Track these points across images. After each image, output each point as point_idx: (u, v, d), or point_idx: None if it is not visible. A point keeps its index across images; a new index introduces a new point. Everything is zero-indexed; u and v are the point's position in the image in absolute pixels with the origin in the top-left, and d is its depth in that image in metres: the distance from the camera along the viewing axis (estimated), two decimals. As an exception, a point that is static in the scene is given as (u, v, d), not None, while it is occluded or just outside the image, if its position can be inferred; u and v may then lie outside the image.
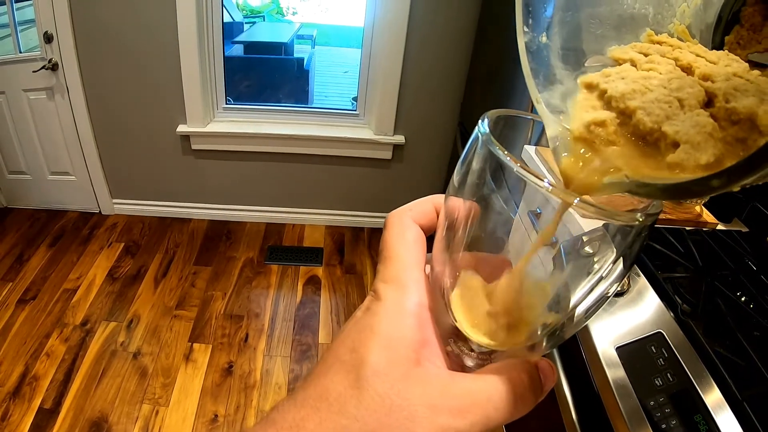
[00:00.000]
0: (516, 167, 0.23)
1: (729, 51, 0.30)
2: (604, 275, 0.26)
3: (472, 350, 0.29)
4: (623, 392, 0.79)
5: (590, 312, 0.27)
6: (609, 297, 0.27)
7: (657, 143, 0.23)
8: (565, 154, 0.25)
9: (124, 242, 2.65)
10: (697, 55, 0.27)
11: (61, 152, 2.64)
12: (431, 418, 0.23)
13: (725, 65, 0.26)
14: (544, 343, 0.28)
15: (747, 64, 0.26)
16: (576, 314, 0.27)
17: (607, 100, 0.25)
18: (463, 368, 0.29)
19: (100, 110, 2.50)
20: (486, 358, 0.29)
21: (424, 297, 0.28)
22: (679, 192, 0.21)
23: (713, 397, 0.76)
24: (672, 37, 0.30)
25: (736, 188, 0.18)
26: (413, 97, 2.48)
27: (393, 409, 0.23)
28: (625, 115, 0.24)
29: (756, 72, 0.25)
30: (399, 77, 2.41)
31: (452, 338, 0.29)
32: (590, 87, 0.27)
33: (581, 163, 0.25)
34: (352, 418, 0.23)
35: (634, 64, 0.27)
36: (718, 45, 0.31)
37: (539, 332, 0.28)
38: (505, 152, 0.24)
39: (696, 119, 0.23)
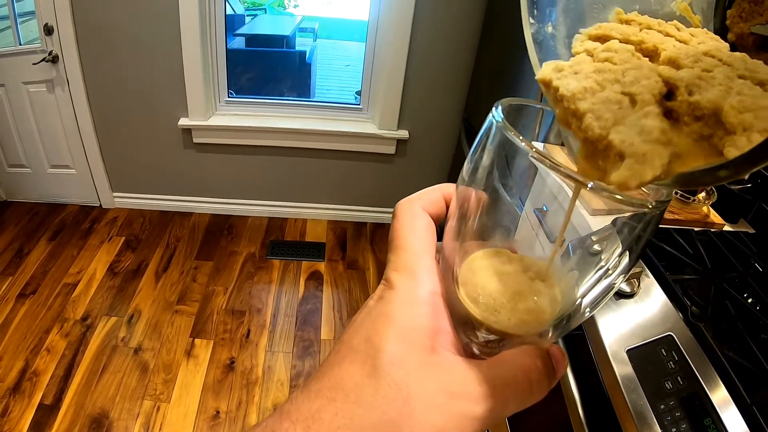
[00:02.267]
0: (531, 152, 0.23)
1: (731, 24, 0.31)
2: (610, 267, 0.26)
3: (481, 338, 0.29)
4: (633, 395, 0.78)
5: (596, 303, 0.27)
6: (614, 289, 0.27)
7: (607, 152, 0.22)
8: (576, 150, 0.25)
9: (124, 236, 2.64)
10: (667, 34, 0.26)
11: (61, 145, 2.62)
12: (449, 405, 0.23)
13: (698, 43, 0.25)
14: (551, 333, 0.29)
15: (726, 44, 0.25)
16: (583, 305, 0.27)
17: (559, 100, 0.24)
18: (473, 356, 0.29)
19: (100, 103, 2.48)
20: (495, 346, 0.29)
21: (436, 285, 0.28)
22: (690, 181, 0.21)
23: (723, 402, 0.75)
24: (674, 15, 0.29)
25: (745, 176, 0.18)
26: (418, 91, 2.47)
27: (411, 397, 0.23)
28: (576, 118, 0.23)
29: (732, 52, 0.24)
30: (403, 72, 2.39)
31: (462, 326, 0.29)
32: (546, 84, 0.25)
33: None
34: (370, 407, 0.22)
35: (591, 54, 0.26)
36: (719, 21, 0.31)
37: (548, 321, 0.28)
38: (521, 138, 0.23)
39: (642, 123, 0.21)
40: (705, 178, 0.20)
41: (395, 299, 0.26)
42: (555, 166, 0.22)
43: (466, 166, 0.28)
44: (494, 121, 0.25)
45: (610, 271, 0.26)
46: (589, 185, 0.21)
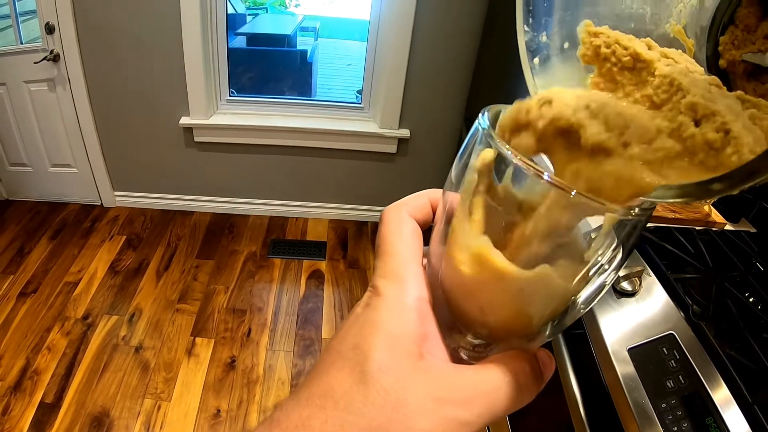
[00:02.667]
0: (516, 160, 0.23)
1: (724, 50, 0.31)
2: (602, 264, 0.26)
3: (469, 343, 0.29)
4: (635, 394, 0.78)
5: (590, 301, 0.27)
6: (607, 286, 0.27)
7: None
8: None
9: (125, 235, 2.64)
10: (635, 53, 0.26)
11: (62, 144, 2.62)
12: (438, 410, 0.23)
13: (666, 65, 0.25)
14: (547, 332, 0.29)
15: (701, 68, 0.25)
16: (578, 302, 0.28)
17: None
18: (461, 361, 0.29)
19: (102, 102, 2.48)
20: (483, 351, 0.29)
21: (423, 291, 0.28)
22: (685, 195, 0.22)
23: (725, 401, 0.75)
24: (669, 37, 0.30)
25: (736, 191, 0.19)
26: (419, 91, 2.46)
27: (399, 403, 0.23)
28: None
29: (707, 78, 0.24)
30: (405, 71, 2.38)
31: (449, 332, 0.29)
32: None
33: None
34: (359, 414, 0.23)
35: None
36: (712, 47, 0.32)
37: (540, 322, 0.28)
38: (507, 146, 0.24)
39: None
40: (698, 192, 0.21)
41: (382, 306, 0.26)
42: (539, 173, 0.22)
43: (453, 172, 0.28)
44: (479, 128, 0.26)
45: (605, 266, 0.26)
46: (572, 193, 0.22)
